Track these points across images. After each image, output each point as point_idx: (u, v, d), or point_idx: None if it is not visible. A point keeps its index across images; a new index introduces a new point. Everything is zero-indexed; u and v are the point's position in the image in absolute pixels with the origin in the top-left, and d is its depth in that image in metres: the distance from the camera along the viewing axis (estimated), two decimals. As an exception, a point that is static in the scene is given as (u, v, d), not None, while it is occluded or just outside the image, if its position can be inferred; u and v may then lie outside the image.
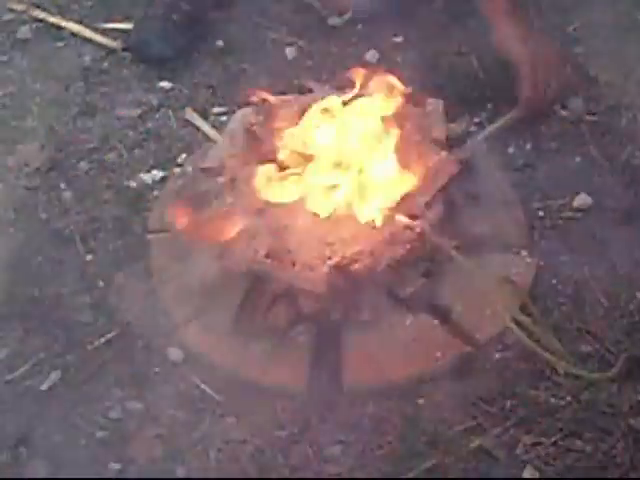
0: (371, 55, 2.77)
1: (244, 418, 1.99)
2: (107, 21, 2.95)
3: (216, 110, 2.66)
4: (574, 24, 2.79)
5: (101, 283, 2.25)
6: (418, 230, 2.07)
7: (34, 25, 2.98)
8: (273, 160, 2.20)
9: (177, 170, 2.48)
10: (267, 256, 2.06)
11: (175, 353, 2.10)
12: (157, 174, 2.48)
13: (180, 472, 1.91)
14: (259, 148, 2.23)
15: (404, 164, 2.16)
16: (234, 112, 2.50)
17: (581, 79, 2.56)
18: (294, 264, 2.06)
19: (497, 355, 2.05)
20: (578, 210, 2.33)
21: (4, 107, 2.72)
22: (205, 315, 2.12)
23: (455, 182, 2.20)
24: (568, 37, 2.76)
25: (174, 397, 2.03)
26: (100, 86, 2.77)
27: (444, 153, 2.23)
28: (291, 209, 2.13)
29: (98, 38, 2.90)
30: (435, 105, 2.35)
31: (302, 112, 2.25)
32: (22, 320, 2.17)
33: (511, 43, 2.46)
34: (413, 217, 2.10)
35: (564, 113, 2.55)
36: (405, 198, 2.12)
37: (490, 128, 2.46)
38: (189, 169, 2.45)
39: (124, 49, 2.86)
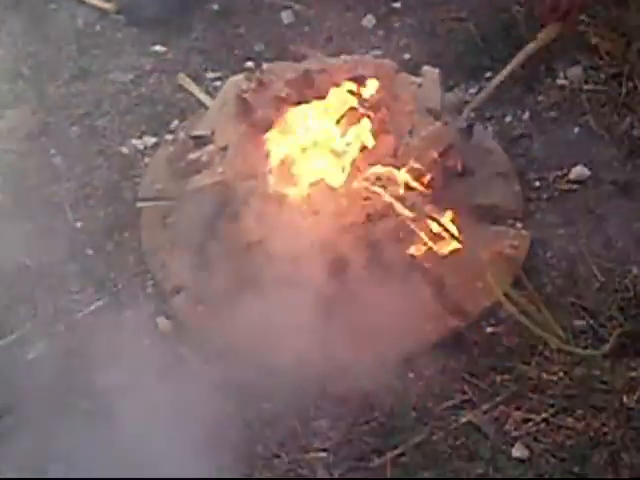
0: (368, 20, 2.73)
1: (232, 390, 1.96)
2: (101, -18, 2.91)
3: (210, 75, 2.63)
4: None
5: (90, 251, 2.22)
6: (410, 202, 2.05)
7: (27, -14, 2.94)
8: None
9: (169, 137, 2.45)
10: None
11: (164, 323, 2.08)
12: (149, 140, 2.46)
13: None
14: (250, 116, 2.20)
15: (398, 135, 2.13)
16: (228, 77, 2.46)
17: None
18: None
19: (489, 329, 2.03)
20: (575, 182, 2.30)
21: (-5, 70, 2.69)
22: (194, 285, 2.09)
23: (450, 152, 2.16)
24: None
25: (161, 367, 2.01)
26: (93, 49, 2.74)
27: (439, 123, 2.20)
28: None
29: (92, 0, 2.86)
30: (431, 74, 2.31)
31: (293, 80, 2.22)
32: (9, 288, 2.16)
33: None
34: (407, 189, 2.07)
35: (563, 82, 2.52)
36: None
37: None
38: (181, 136, 2.42)
39: (118, 11, 2.82)
